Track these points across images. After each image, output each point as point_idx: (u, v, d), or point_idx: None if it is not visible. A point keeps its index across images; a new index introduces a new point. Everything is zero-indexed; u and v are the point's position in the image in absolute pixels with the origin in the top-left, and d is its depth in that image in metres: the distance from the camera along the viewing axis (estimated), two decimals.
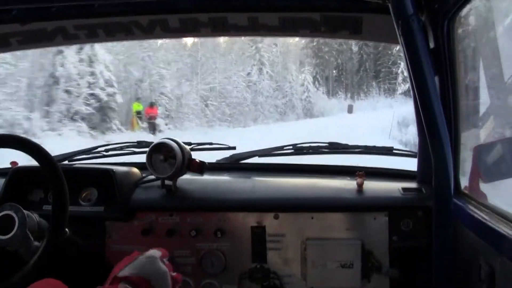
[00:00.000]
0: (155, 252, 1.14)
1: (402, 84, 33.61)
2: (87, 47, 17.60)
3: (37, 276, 1.18)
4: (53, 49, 15.25)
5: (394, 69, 35.34)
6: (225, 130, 20.92)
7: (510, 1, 1.39)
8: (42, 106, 17.00)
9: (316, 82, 33.09)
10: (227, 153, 1.90)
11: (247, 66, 28.80)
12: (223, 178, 1.80)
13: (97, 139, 14.91)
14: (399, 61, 32.86)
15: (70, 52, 17.42)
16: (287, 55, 32.74)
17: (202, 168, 1.60)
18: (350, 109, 29.93)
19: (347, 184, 1.63)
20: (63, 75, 17.34)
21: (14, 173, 1.63)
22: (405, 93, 32.43)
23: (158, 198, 1.61)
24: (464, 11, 1.30)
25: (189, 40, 26.46)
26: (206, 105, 24.16)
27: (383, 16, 1.39)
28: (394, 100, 32.29)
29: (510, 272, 1.00)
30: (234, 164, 1.89)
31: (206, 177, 1.68)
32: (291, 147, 1.87)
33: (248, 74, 27.94)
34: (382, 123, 18.71)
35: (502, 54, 1.37)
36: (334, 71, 37.64)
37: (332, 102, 33.08)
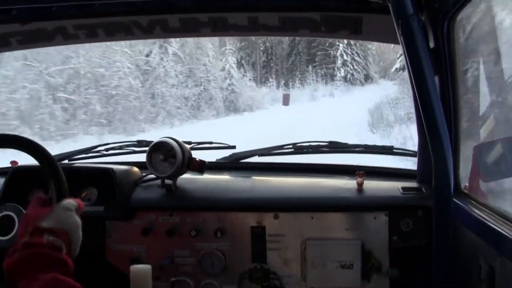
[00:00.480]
0: (71, 204, 1.14)
1: (341, 69, 28.84)
2: None
3: None
4: None
5: (331, 52, 29.45)
6: (93, 141, 9.44)
7: (510, 1, 1.39)
8: None
9: (242, 68, 26.48)
10: (227, 152, 1.90)
11: (145, 44, 18.61)
12: (223, 178, 1.80)
13: None
14: (337, 42, 28.01)
15: None
16: None
17: (202, 167, 1.60)
18: (285, 100, 23.03)
19: (347, 183, 1.63)
20: None
21: (14, 172, 1.62)
22: (346, 79, 28.37)
23: (158, 198, 1.61)
24: (464, 11, 1.30)
25: None
26: (55, 101, 13.65)
27: (383, 16, 1.39)
28: (335, 87, 27.82)
29: (510, 272, 1.00)
30: (234, 164, 1.89)
31: (206, 176, 1.68)
32: (291, 146, 1.87)
33: (148, 55, 18.52)
34: (333, 119, 14.09)
35: (502, 54, 1.37)
36: (262, 55, 30.99)
37: (262, 92, 25.38)
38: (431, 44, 1.36)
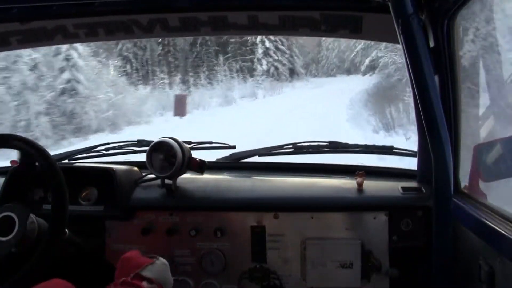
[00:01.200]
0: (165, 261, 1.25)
1: (263, 60, 21.48)
2: None
3: (37, 276, 1.18)
4: None
5: (249, 39, 21.63)
6: None
7: (510, 1, 1.39)
8: None
9: (128, 65, 18.11)
10: (227, 152, 1.90)
11: None
12: (223, 177, 1.80)
13: None
14: None
15: None
16: None
17: (202, 167, 1.60)
18: (179, 107, 13.38)
19: (347, 183, 1.63)
20: None
21: (14, 172, 1.63)
22: (269, 73, 21.55)
23: (158, 197, 1.61)
24: (464, 10, 1.30)
25: None
26: None
27: (383, 15, 1.39)
28: (256, 84, 20.10)
29: (510, 272, 1.00)
30: (234, 163, 1.89)
31: (206, 176, 1.68)
32: (291, 146, 1.87)
33: None
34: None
35: (502, 54, 1.37)
36: (157, 46, 21.88)
37: (139, 94, 15.50)
38: (431, 44, 1.36)
